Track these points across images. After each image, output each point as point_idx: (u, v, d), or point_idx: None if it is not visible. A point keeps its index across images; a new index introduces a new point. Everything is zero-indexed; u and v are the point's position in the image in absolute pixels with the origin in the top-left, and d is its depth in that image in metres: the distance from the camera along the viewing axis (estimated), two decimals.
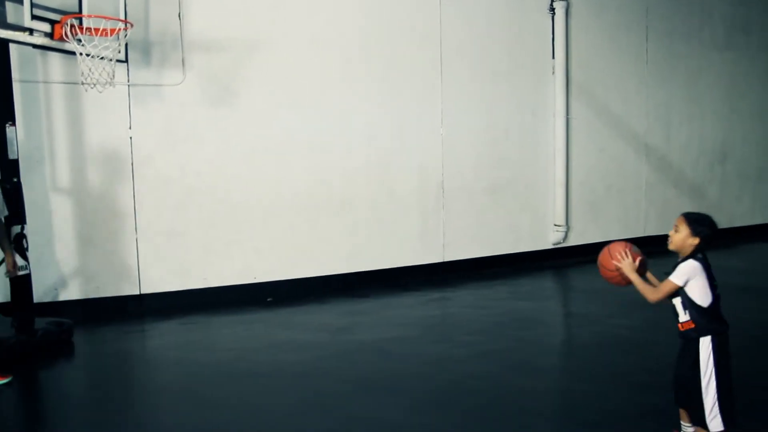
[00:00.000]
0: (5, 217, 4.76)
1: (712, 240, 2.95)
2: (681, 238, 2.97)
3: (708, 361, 2.87)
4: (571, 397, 4.09)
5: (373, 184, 7.38)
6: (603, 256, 3.21)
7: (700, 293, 2.90)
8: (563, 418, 3.85)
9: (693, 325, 2.91)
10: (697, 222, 2.98)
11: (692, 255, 2.94)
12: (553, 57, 8.52)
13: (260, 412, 3.87)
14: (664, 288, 2.94)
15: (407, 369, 4.60)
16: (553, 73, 8.53)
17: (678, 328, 2.99)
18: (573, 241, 8.77)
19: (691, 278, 2.89)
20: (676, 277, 2.92)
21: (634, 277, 3.04)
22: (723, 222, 10.40)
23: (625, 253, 3.10)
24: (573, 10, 8.62)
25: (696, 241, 2.94)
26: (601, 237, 8.93)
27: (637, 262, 3.07)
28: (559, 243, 8.70)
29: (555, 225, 8.64)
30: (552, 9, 8.47)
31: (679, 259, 2.99)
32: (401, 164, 7.54)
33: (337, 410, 3.89)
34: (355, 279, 7.28)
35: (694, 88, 9.97)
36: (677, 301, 2.96)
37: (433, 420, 3.71)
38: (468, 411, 3.82)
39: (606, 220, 9.11)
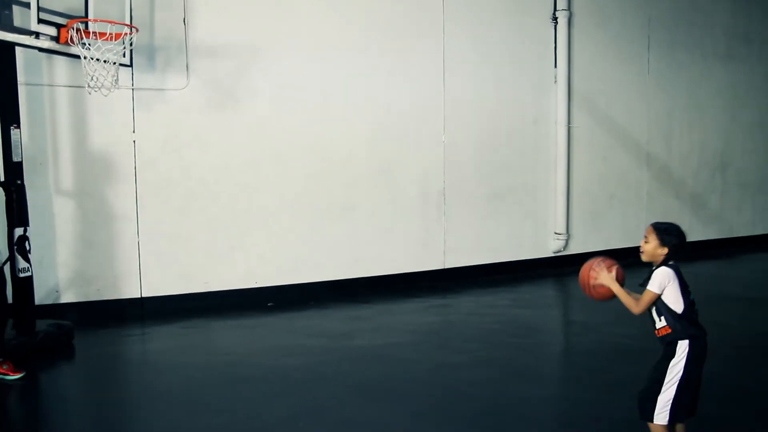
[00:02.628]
0: None
1: (681, 249, 3.03)
2: (651, 248, 3.05)
3: (678, 364, 2.93)
4: (571, 405, 4.10)
5: (374, 190, 7.40)
6: (582, 276, 3.24)
7: (674, 299, 2.96)
8: (562, 425, 3.85)
9: (670, 330, 2.97)
10: (665, 232, 3.05)
11: (664, 263, 3.02)
12: (555, 66, 8.56)
13: (258, 418, 3.87)
14: (645, 298, 3.00)
15: (407, 375, 4.61)
16: (555, 81, 8.57)
17: (656, 334, 3.06)
18: (574, 249, 8.77)
19: (665, 285, 2.97)
20: (654, 286, 2.98)
21: (617, 288, 3.08)
22: (724, 232, 10.53)
23: (598, 266, 3.15)
24: (575, 20, 8.66)
25: (665, 251, 3.02)
26: (602, 245, 8.93)
27: (614, 272, 3.11)
28: (560, 251, 8.70)
29: (556, 233, 8.65)
30: (555, 18, 8.51)
31: (653, 267, 3.06)
32: (403, 171, 7.56)
33: (335, 416, 3.89)
34: (356, 285, 7.29)
35: (696, 97, 10.01)
36: (653, 309, 3.02)
37: (432, 426, 3.72)
38: (467, 418, 3.83)
39: (607, 229, 9.13)
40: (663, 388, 2.93)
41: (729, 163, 10.46)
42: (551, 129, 8.61)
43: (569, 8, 8.52)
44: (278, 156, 6.89)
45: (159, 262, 6.43)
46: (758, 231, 10.85)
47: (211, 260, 6.64)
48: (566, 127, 8.61)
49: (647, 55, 9.45)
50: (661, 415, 2.93)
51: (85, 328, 5.74)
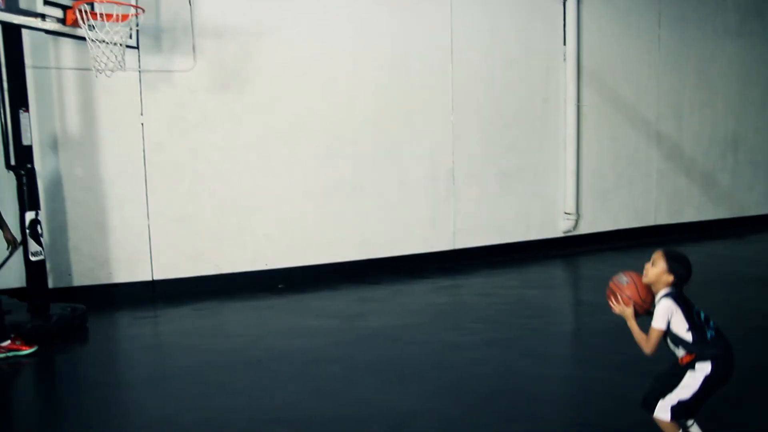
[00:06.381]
0: None
1: (686, 281, 2.93)
2: (656, 273, 2.94)
3: (696, 378, 2.84)
4: (581, 385, 4.10)
5: (382, 170, 7.37)
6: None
7: (683, 327, 2.86)
8: (572, 406, 3.87)
9: (693, 356, 2.86)
10: (675, 260, 2.93)
11: (665, 292, 2.93)
12: (565, 44, 8.46)
13: (271, 398, 3.91)
14: (653, 337, 2.91)
15: (418, 356, 4.63)
16: (565, 60, 8.48)
17: (680, 363, 2.96)
18: (583, 229, 8.75)
19: (669, 317, 2.88)
20: (658, 322, 2.90)
21: (631, 324, 3.01)
22: (735, 211, 10.45)
23: (617, 288, 3.06)
24: None
25: (670, 278, 2.91)
26: (612, 225, 8.92)
27: (630, 304, 3.03)
28: (570, 231, 8.68)
29: (565, 213, 8.61)
30: None
31: (657, 296, 2.97)
32: (411, 151, 7.52)
33: (347, 396, 3.92)
34: (366, 266, 7.30)
35: (706, 75, 9.88)
36: (668, 341, 2.93)
37: (444, 406, 3.74)
38: (478, 398, 3.84)
39: (616, 209, 9.08)
40: (673, 392, 2.86)
41: (740, 142, 10.34)
42: (560, 108, 8.53)
43: None
44: (285, 136, 6.87)
45: (169, 245, 6.46)
46: None
47: (221, 243, 6.66)
48: (575, 106, 8.54)
49: (658, 31, 9.32)
50: (662, 410, 2.88)
51: (98, 311, 5.79)
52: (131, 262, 6.35)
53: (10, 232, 4.88)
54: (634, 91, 9.20)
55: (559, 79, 8.49)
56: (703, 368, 2.83)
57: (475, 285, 6.91)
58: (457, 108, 7.77)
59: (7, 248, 4.88)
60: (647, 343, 2.94)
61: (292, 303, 6.28)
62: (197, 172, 6.53)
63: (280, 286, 6.79)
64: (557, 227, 8.66)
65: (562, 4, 8.42)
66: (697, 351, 2.84)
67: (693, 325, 2.86)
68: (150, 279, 6.41)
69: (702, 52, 9.78)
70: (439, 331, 5.23)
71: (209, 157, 6.56)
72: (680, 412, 2.88)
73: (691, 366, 2.86)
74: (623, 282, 3.08)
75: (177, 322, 5.74)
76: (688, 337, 2.85)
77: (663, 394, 2.90)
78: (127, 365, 4.81)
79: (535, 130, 8.41)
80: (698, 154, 9.93)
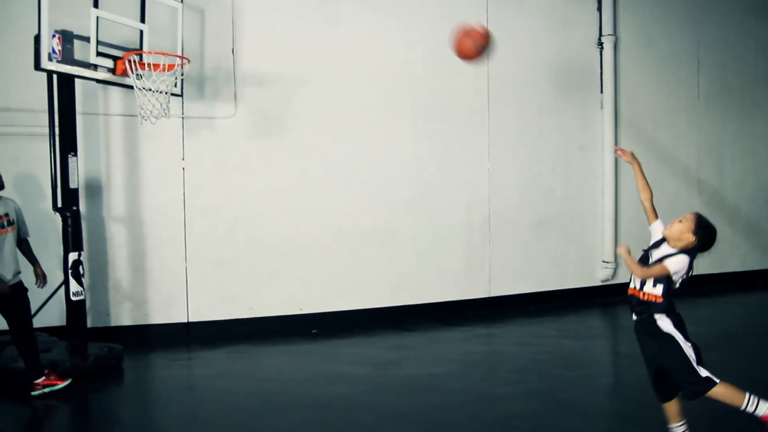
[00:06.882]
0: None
1: (703, 249, 3.21)
2: (681, 229, 3.21)
3: (674, 330, 3.16)
4: None
5: (417, 216, 7.38)
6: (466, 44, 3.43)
7: (678, 278, 3.18)
8: None
9: (661, 300, 3.16)
10: (704, 227, 3.19)
11: (685, 250, 3.19)
12: (602, 91, 8.45)
13: None
14: (656, 271, 3.18)
15: (451, 405, 4.54)
16: (602, 107, 8.45)
17: (636, 295, 3.27)
18: (622, 278, 8.54)
19: (679, 271, 3.16)
20: (672, 266, 3.15)
21: (629, 262, 3.25)
22: None
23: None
24: (621, 45, 8.55)
25: (692, 239, 3.17)
26: None
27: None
28: (608, 280, 8.50)
29: (603, 261, 8.46)
30: (600, 43, 8.43)
31: (671, 250, 3.23)
32: (447, 197, 7.53)
33: None
34: (400, 312, 7.25)
35: (748, 122, 9.71)
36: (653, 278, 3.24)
37: None
38: None
39: None
40: (691, 363, 3.13)
41: None
42: (598, 155, 8.47)
43: (615, 33, 8.43)
44: (321, 181, 6.96)
45: (205, 287, 6.53)
46: None
47: (256, 286, 6.71)
48: (613, 154, 8.46)
49: (697, 79, 9.25)
50: (710, 376, 3.15)
51: (134, 352, 5.85)
52: (167, 304, 6.43)
53: (41, 268, 5.03)
54: (673, 138, 9.09)
55: (596, 126, 8.46)
56: (666, 323, 3.16)
57: (510, 334, 6.79)
58: (494, 155, 7.78)
59: (36, 282, 5.00)
60: (644, 272, 3.21)
61: (326, 348, 6.25)
62: (235, 215, 6.64)
63: (313, 330, 6.78)
64: (595, 276, 8.50)
65: (598, 51, 8.45)
66: (667, 302, 3.17)
67: (681, 284, 3.18)
68: (185, 321, 6.48)
69: (743, 100, 9.64)
70: (473, 381, 5.13)
71: (247, 201, 6.68)
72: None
73: (654, 329, 3.19)
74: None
75: (210, 365, 5.76)
76: (674, 286, 3.17)
77: (692, 371, 3.13)
78: (160, 407, 4.82)
79: (572, 178, 8.35)
80: (742, 202, 9.70)
